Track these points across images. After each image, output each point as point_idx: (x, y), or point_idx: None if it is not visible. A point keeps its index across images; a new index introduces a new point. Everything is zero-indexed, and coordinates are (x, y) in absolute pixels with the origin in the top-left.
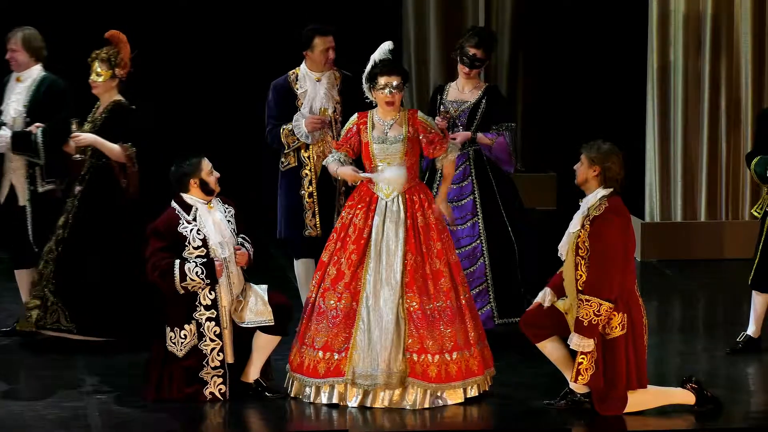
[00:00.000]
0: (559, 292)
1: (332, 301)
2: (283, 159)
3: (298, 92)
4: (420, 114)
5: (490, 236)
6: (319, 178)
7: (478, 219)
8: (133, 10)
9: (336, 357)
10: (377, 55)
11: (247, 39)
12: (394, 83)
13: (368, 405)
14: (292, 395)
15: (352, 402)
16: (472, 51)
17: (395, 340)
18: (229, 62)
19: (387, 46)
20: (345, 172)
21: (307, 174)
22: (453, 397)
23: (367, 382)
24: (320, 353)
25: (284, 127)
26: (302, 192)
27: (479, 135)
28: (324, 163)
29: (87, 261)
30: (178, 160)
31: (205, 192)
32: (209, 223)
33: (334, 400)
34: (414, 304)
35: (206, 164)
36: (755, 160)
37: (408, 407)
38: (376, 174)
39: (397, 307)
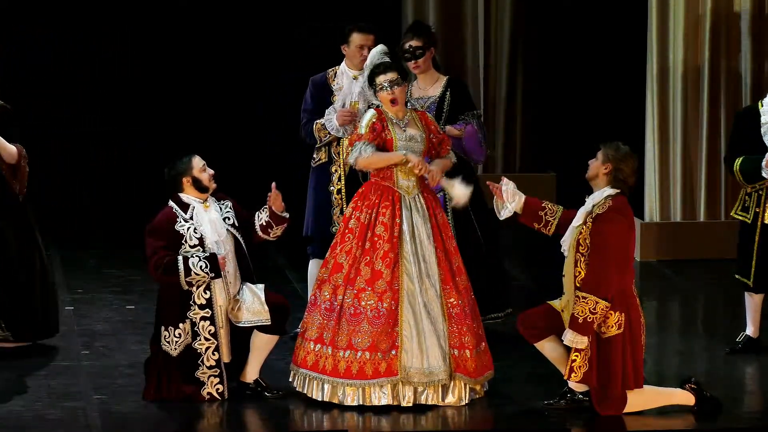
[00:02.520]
0: (531, 216)
1: (372, 302)
2: (315, 155)
3: (334, 88)
4: (429, 114)
5: (459, 233)
6: (348, 175)
7: (448, 216)
8: (133, 10)
9: (384, 357)
10: (369, 61)
11: (247, 39)
12: (392, 79)
13: (422, 402)
14: (326, 399)
15: (405, 402)
16: (407, 44)
17: (445, 337)
18: (229, 62)
19: (379, 49)
20: (416, 158)
21: (336, 170)
22: (477, 391)
23: (425, 380)
24: (367, 354)
25: (317, 121)
26: (331, 188)
27: (448, 128)
28: (357, 157)
29: (8, 268)
30: (170, 161)
31: (199, 189)
32: (205, 221)
33: (386, 402)
34: (452, 299)
35: (197, 162)
36: (739, 160)
37: (453, 403)
38: (449, 181)
39: (441, 304)
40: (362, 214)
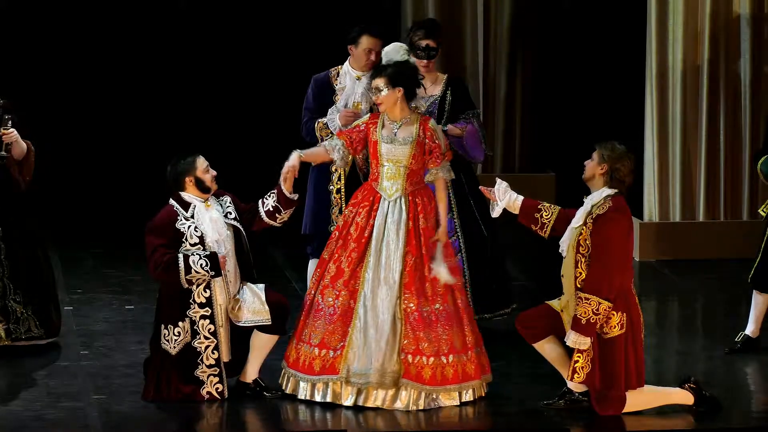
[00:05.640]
0: (528, 218)
1: (330, 299)
2: None
3: (337, 88)
4: (432, 122)
5: (465, 232)
6: (348, 175)
7: (453, 215)
8: (133, 11)
9: (332, 354)
10: (386, 58)
11: (247, 39)
12: (377, 85)
13: (361, 404)
14: (288, 392)
15: (347, 401)
16: (424, 42)
17: (390, 340)
18: (229, 62)
19: (397, 47)
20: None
21: (336, 170)
22: (448, 399)
23: (361, 381)
24: (316, 350)
25: (319, 120)
26: (330, 187)
27: (449, 126)
28: (324, 144)
29: (33, 263)
30: (174, 159)
31: (201, 190)
32: (206, 220)
33: (329, 399)
34: (411, 305)
35: (201, 162)
36: (762, 159)
37: (401, 408)
38: (437, 263)
39: (395, 308)
40: (348, 212)
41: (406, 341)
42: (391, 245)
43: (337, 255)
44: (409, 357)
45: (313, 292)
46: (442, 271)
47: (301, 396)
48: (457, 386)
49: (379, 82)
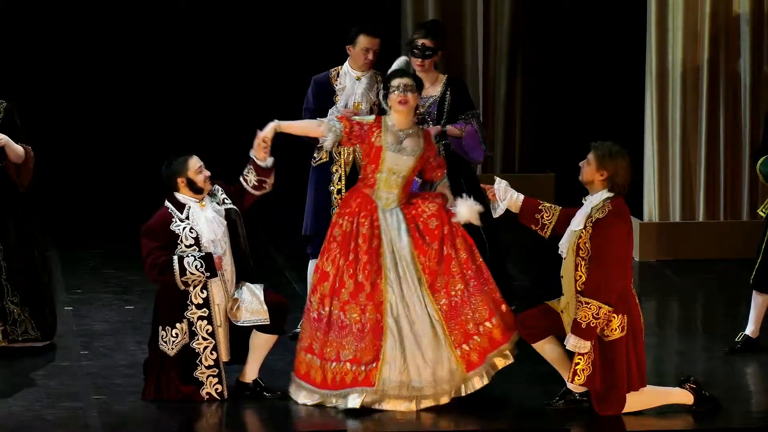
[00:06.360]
0: (528, 218)
1: (355, 315)
2: (315, 154)
3: (337, 88)
4: (431, 135)
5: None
6: (348, 175)
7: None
8: (133, 11)
9: (363, 369)
10: (393, 67)
11: (247, 39)
12: (406, 83)
13: (415, 409)
14: (312, 404)
15: (403, 407)
16: (420, 41)
17: (435, 347)
18: (229, 62)
19: (402, 60)
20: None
21: (337, 170)
22: (502, 362)
23: (405, 394)
24: (348, 365)
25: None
26: (331, 188)
27: (449, 127)
28: (324, 120)
29: (31, 265)
30: (168, 160)
31: (194, 191)
32: (202, 221)
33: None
34: (443, 301)
35: (194, 163)
36: (761, 159)
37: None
38: (457, 202)
39: (429, 314)
40: (344, 221)
41: (453, 337)
42: (405, 251)
43: (351, 270)
44: (464, 347)
45: (328, 308)
46: (462, 210)
47: (328, 405)
48: (506, 345)
49: (408, 80)
